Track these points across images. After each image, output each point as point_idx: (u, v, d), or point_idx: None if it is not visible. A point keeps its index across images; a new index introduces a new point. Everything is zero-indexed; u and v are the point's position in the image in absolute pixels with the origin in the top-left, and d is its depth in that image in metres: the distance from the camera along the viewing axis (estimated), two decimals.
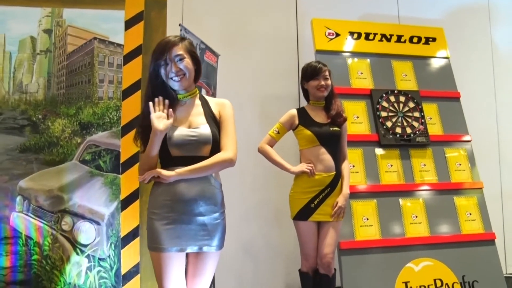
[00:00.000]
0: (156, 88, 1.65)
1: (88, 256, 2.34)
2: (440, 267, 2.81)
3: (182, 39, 1.69)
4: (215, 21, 3.53)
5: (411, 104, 3.20)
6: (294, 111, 2.44)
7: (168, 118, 1.59)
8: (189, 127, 1.65)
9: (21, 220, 2.34)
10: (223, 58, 3.16)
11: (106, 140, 2.44)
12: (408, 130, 3.12)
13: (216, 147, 1.63)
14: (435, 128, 3.21)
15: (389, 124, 3.10)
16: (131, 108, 2.41)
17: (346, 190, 2.34)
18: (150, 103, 1.59)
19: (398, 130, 3.10)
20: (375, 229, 2.82)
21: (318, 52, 3.23)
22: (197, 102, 1.72)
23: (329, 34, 3.30)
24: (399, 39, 3.44)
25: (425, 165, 3.08)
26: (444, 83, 3.38)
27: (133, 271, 2.33)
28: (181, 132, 1.62)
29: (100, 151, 2.43)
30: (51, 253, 2.32)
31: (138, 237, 2.34)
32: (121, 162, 2.39)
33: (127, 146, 2.36)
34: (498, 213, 3.73)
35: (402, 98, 3.20)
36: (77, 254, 2.33)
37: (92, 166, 2.41)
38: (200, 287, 1.66)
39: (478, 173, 3.17)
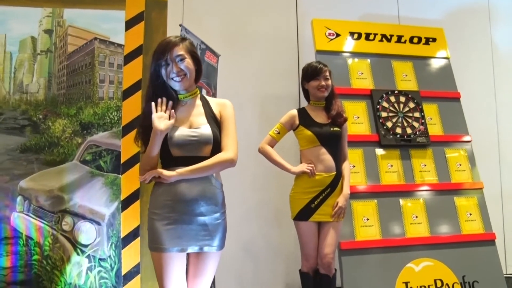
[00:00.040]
0: (157, 88, 1.66)
1: (88, 256, 2.34)
2: (440, 267, 2.82)
3: (183, 39, 1.70)
4: (216, 21, 3.53)
5: (412, 105, 3.20)
6: (294, 112, 2.44)
7: (169, 118, 1.59)
8: (190, 127, 1.65)
9: (22, 220, 2.34)
10: (223, 58, 3.16)
11: (106, 140, 2.44)
12: (409, 131, 3.12)
13: (217, 147, 1.64)
14: (435, 129, 3.22)
15: (389, 124, 3.10)
16: (131, 108, 2.40)
17: (346, 190, 2.35)
18: (152, 103, 1.60)
19: (399, 130, 3.10)
20: (376, 229, 2.83)
21: (319, 52, 3.23)
22: (198, 102, 1.72)
23: (329, 34, 3.31)
24: (399, 39, 3.45)
25: (425, 165, 3.09)
26: (444, 83, 3.38)
27: (134, 271, 2.33)
28: (182, 132, 1.62)
29: (101, 151, 2.43)
30: (52, 253, 2.32)
31: (139, 237, 2.34)
32: (121, 162, 2.39)
33: (128, 146, 2.36)
34: (498, 213, 3.73)
35: (402, 99, 3.20)
36: (78, 254, 2.33)
37: (93, 166, 2.41)
38: (201, 287, 1.66)
39: (479, 173, 3.17)
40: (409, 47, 3.45)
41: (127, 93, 2.44)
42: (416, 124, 3.15)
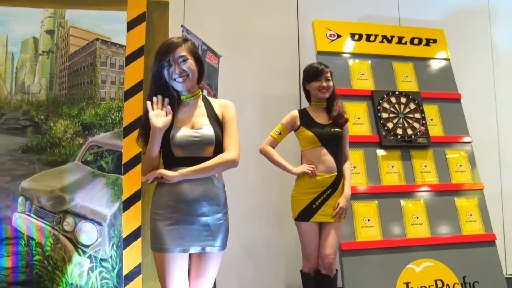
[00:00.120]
0: (159, 89, 1.66)
1: (90, 257, 2.34)
2: (441, 268, 2.82)
3: (185, 40, 1.70)
4: (217, 22, 3.53)
5: (412, 105, 3.21)
6: (295, 112, 2.45)
7: (166, 115, 1.59)
8: (192, 128, 1.65)
9: (23, 221, 2.34)
10: (224, 59, 3.16)
11: (108, 141, 2.44)
12: (409, 131, 3.12)
13: (219, 148, 1.64)
14: (436, 129, 3.22)
15: (390, 125, 3.11)
16: (133, 109, 2.41)
17: (347, 191, 2.35)
18: (148, 102, 1.61)
19: (399, 131, 3.11)
20: (376, 230, 2.83)
21: (319, 53, 3.24)
22: (200, 103, 1.73)
23: (330, 35, 3.31)
24: (400, 40, 3.45)
25: (426, 166, 3.09)
26: (444, 84, 3.39)
27: (135, 272, 2.34)
28: (184, 132, 1.63)
29: (102, 152, 2.43)
30: (53, 253, 2.32)
31: (140, 238, 2.35)
32: (123, 163, 2.39)
33: (129, 147, 2.36)
34: (498, 213, 3.74)
35: (403, 99, 3.21)
36: (79, 254, 2.33)
37: (94, 166, 2.41)
38: (203, 287, 1.66)
39: (479, 174, 3.18)
40: (410, 48, 3.45)
41: (129, 93, 2.44)
42: (416, 125, 3.15)
